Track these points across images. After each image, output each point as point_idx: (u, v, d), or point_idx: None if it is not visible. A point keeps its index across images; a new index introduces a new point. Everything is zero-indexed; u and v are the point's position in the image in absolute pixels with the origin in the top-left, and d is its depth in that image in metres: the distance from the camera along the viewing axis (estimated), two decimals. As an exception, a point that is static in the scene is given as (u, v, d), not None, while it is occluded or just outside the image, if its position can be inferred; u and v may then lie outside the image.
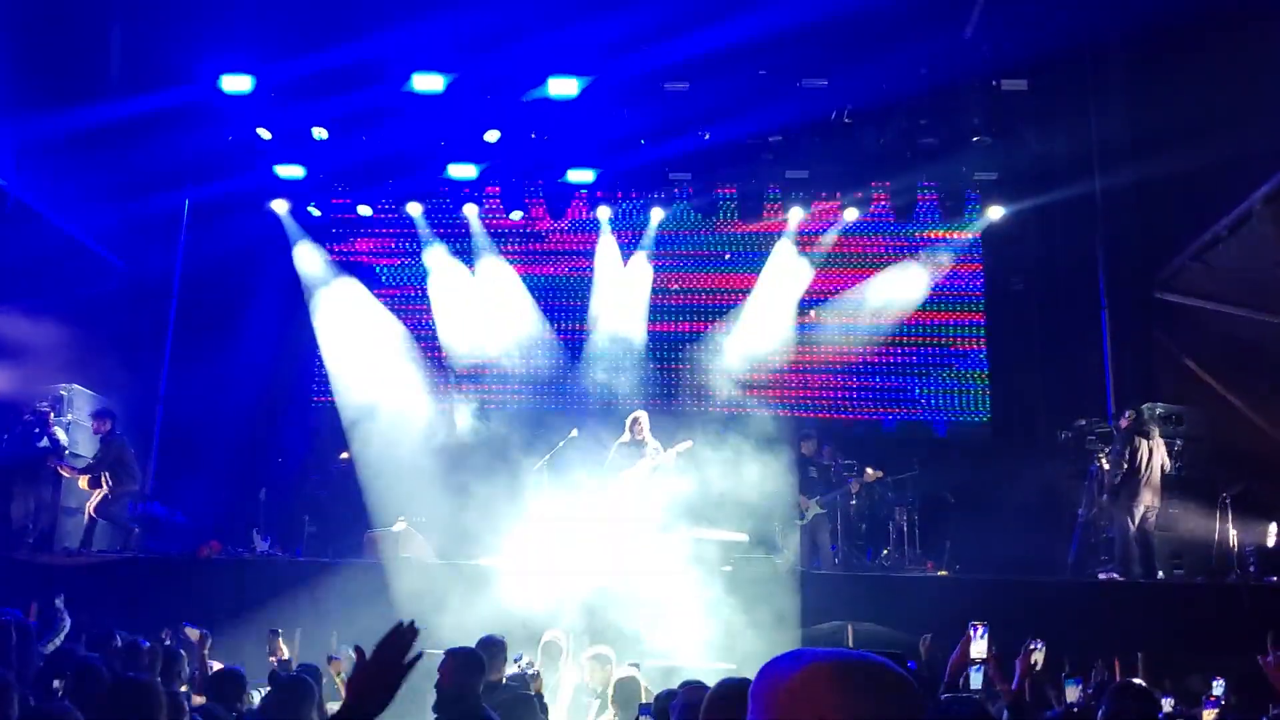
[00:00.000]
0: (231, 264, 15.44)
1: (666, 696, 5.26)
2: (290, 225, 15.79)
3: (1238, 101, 11.05)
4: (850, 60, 13.85)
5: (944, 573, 12.12)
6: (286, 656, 7.13)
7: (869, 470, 12.80)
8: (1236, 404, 11.89)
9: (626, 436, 12.24)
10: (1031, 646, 4.54)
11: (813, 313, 15.75)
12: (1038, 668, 4.58)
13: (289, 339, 15.82)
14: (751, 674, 1.56)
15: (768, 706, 1.42)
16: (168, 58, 13.99)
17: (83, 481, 11.96)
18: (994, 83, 13.59)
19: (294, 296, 15.80)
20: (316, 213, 15.84)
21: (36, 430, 11.97)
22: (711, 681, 4.80)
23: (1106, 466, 11.92)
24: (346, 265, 16.20)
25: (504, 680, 6.56)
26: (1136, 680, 6.39)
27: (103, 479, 11.91)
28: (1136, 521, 11.20)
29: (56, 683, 5.31)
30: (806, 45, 13.81)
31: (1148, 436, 11.47)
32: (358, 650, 2.51)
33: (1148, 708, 4.08)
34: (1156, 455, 11.37)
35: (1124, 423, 11.94)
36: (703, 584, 9.82)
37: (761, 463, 12.02)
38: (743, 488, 11.97)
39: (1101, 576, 11.56)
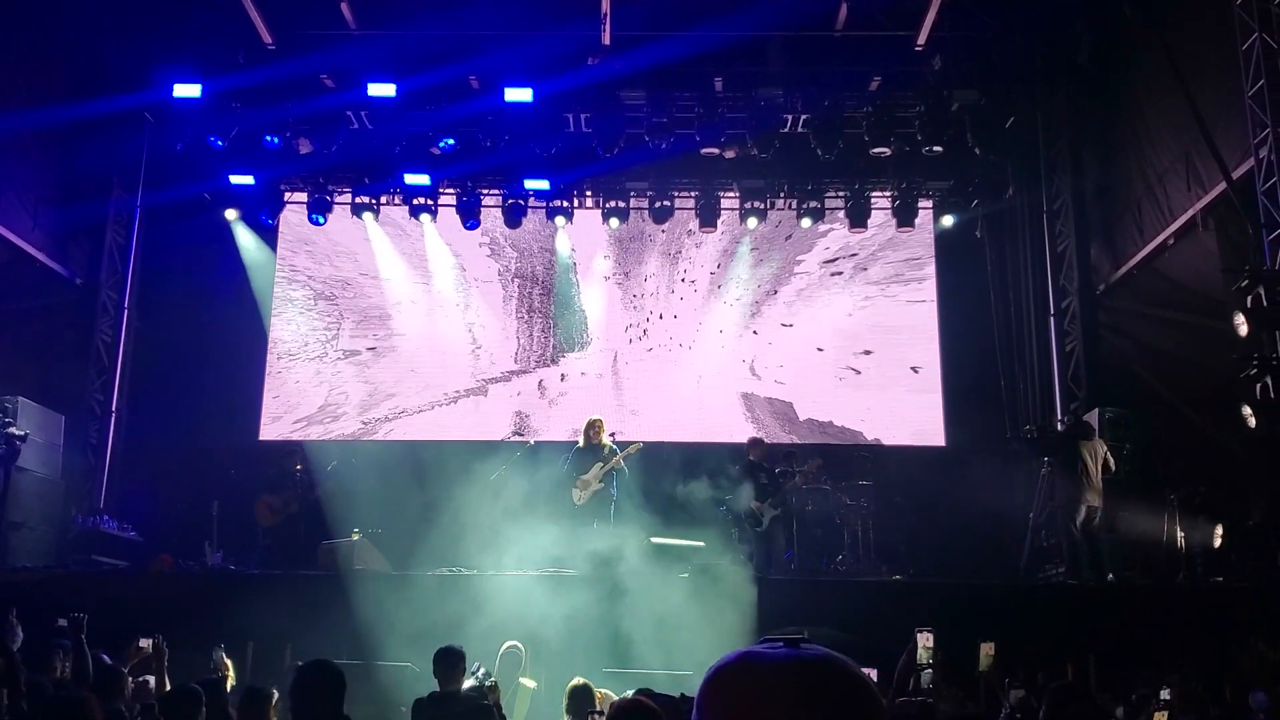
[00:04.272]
0: (184, 273, 15.26)
1: (621, 704, 5.27)
2: (242, 233, 15.65)
3: (1180, 111, 11.27)
4: (804, 71, 13.99)
5: (898, 577, 12.24)
6: (231, 673, 7.04)
7: (809, 462, 12.85)
8: (1182, 408, 12.10)
9: (583, 441, 12.30)
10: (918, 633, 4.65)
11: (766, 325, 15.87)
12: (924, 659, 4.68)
13: (242, 349, 15.66)
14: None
15: (696, 702, 1.39)
16: (115, 63, 13.84)
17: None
18: (945, 93, 13.77)
19: (247, 306, 15.65)
20: (269, 221, 15.73)
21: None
22: (667, 688, 4.83)
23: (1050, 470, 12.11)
24: (298, 273, 16.08)
25: (461, 691, 6.54)
26: (1075, 681, 6.48)
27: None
28: (1079, 524, 11.36)
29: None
30: (761, 56, 13.94)
31: (1088, 439, 11.65)
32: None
33: (1086, 709, 4.15)
34: (1097, 458, 11.53)
35: (1061, 427, 12.13)
36: (660, 590, 9.82)
37: (713, 477, 12.13)
38: (695, 501, 12.06)
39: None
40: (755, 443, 13.05)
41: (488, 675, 7.51)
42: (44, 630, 7.58)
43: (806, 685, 1.32)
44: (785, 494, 12.45)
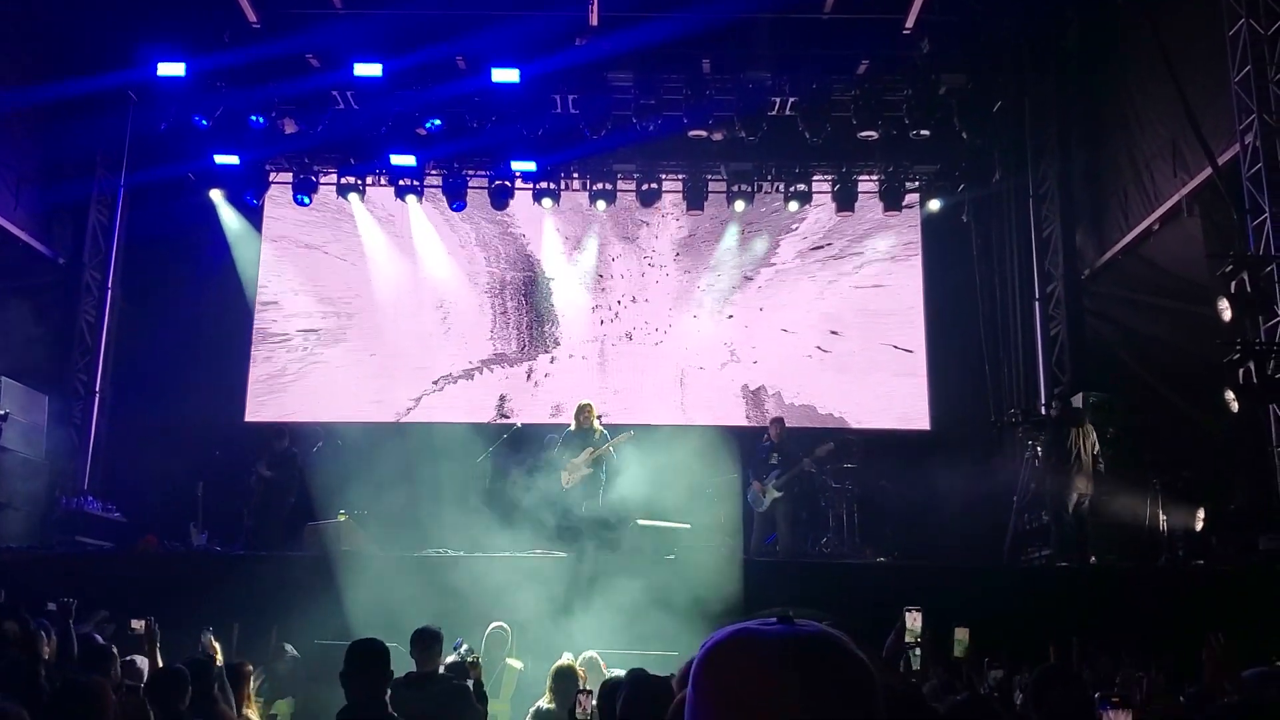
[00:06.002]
0: (168, 253, 15.18)
1: (612, 684, 5.29)
2: (227, 213, 15.56)
3: (1168, 97, 11.29)
4: (792, 53, 13.96)
5: (882, 560, 12.29)
6: (219, 655, 7.01)
7: (820, 446, 12.86)
8: (1166, 393, 12.17)
9: (573, 425, 12.30)
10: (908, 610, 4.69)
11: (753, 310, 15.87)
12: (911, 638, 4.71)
13: (227, 330, 15.59)
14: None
15: (690, 678, 1.39)
16: (99, 41, 13.71)
17: None
18: (933, 76, 13.77)
19: (232, 286, 15.58)
20: (254, 201, 15.64)
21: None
22: (655, 669, 4.85)
23: (1040, 455, 12.15)
24: (283, 254, 16.01)
25: (440, 670, 6.53)
26: (1059, 663, 6.51)
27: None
28: (1070, 508, 11.42)
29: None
30: (749, 38, 13.90)
31: (1079, 424, 11.70)
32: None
33: (1073, 691, 4.17)
34: (1088, 443, 11.59)
35: (1054, 411, 12.19)
36: (646, 572, 9.85)
37: (704, 461, 12.14)
38: (686, 482, 12.06)
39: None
40: (776, 422, 13.05)
41: (470, 651, 7.51)
42: (28, 610, 7.55)
43: (801, 660, 1.32)
44: (792, 476, 12.46)
